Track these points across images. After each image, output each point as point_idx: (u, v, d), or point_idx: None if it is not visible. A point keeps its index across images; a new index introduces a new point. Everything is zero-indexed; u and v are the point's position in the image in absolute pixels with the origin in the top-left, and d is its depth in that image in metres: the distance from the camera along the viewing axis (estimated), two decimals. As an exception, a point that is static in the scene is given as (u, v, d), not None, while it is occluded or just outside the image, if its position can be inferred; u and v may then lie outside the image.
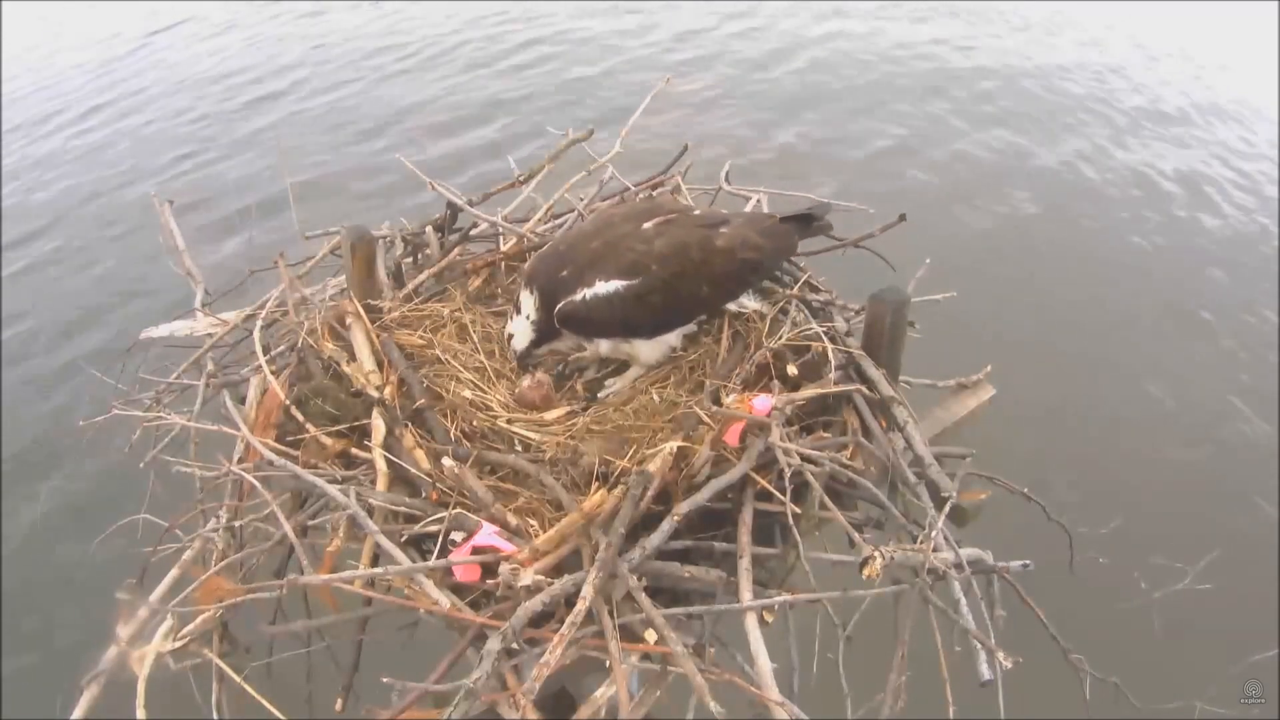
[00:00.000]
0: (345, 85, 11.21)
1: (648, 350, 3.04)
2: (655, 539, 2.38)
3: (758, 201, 3.78)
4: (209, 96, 11.21)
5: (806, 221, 3.17)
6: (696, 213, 3.17)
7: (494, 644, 2.11)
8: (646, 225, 2.96)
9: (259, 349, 3.07)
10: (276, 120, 10.50)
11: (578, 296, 2.89)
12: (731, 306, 3.13)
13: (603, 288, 2.88)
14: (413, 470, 2.65)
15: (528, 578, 2.21)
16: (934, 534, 2.48)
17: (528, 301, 2.99)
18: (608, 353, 3.07)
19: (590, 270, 2.90)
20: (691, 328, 3.10)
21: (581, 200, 3.80)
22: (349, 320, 3.14)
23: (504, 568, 2.23)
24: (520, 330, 3.05)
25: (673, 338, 3.06)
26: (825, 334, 3.03)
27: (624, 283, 2.87)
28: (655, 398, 2.96)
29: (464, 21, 12.71)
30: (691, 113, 9.83)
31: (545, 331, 3.01)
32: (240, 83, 11.57)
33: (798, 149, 9.58)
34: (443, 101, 10.57)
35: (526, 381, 3.04)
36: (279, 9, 13.57)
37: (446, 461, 2.57)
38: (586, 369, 3.20)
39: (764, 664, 2.29)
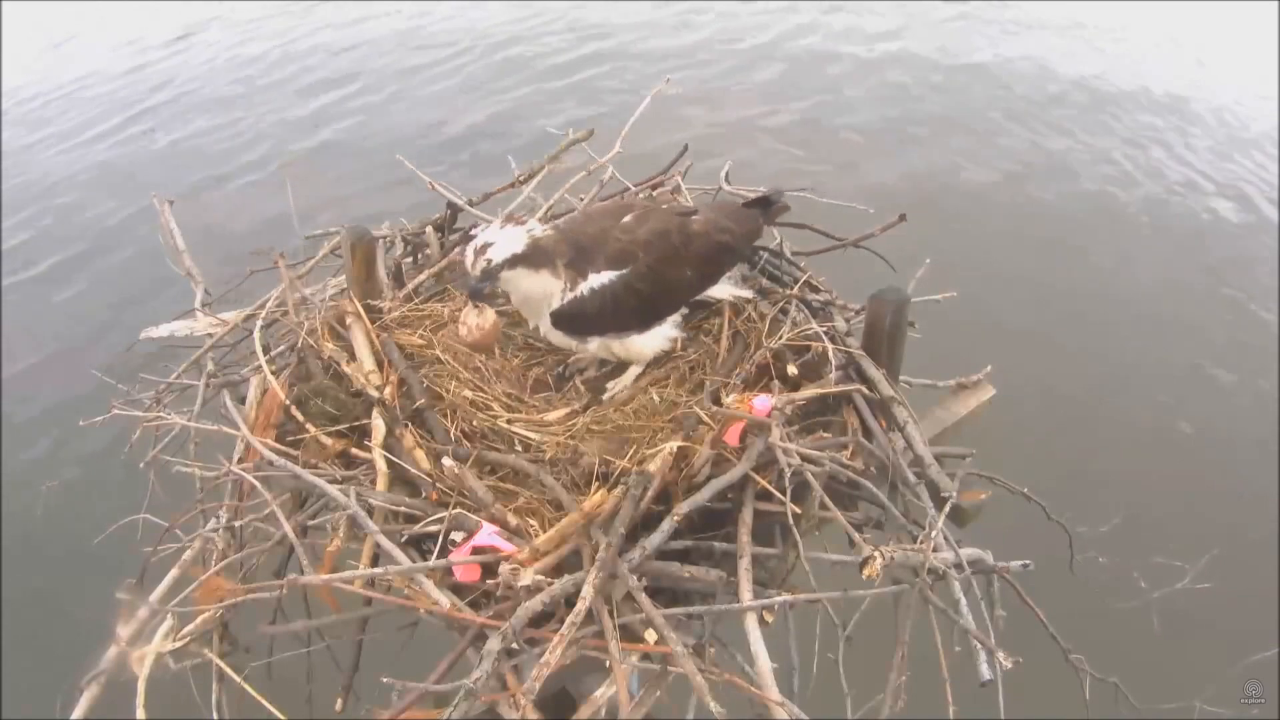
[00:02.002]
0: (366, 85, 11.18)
1: (641, 345, 3.03)
2: (655, 539, 2.38)
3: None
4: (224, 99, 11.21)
5: (766, 205, 3.22)
6: (664, 206, 3.19)
7: (494, 644, 2.12)
8: (625, 219, 2.98)
9: (259, 349, 3.07)
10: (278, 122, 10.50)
11: (577, 290, 2.85)
12: (714, 292, 3.13)
13: (596, 280, 2.86)
14: (413, 470, 2.65)
15: (528, 578, 2.21)
16: (934, 534, 2.49)
17: (535, 223, 2.84)
18: (597, 351, 3.04)
19: (591, 256, 2.87)
20: (678, 319, 3.08)
21: (581, 200, 3.81)
22: (349, 320, 3.14)
23: (504, 568, 2.23)
24: (508, 240, 2.73)
25: (666, 329, 3.05)
26: (825, 334, 3.03)
27: (615, 273, 2.87)
28: (655, 398, 2.96)
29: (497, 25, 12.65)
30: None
31: (540, 255, 2.78)
32: (248, 81, 11.57)
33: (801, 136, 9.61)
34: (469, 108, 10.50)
35: (475, 319, 2.79)
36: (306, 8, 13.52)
37: (446, 461, 2.57)
38: (586, 369, 3.20)
39: (764, 664, 2.29)
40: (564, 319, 2.92)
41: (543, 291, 2.86)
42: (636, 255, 2.89)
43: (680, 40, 11.99)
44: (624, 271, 2.88)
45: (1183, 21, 12.67)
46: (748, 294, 3.22)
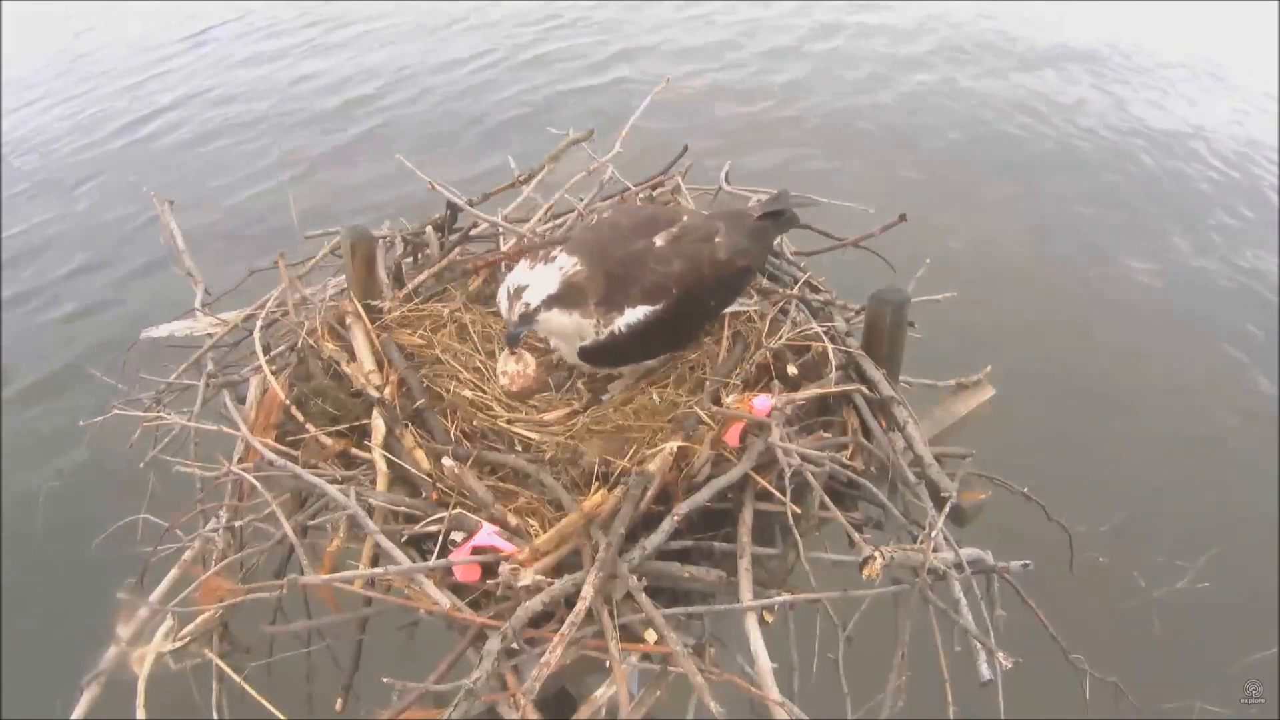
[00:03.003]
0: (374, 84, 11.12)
1: (654, 364, 3.04)
2: (655, 539, 2.38)
3: (758, 202, 3.78)
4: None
5: (778, 216, 3.16)
6: (685, 220, 3.05)
7: (494, 644, 2.12)
8: (659, 243, 2.88)
9: (259, 349, 3.07)
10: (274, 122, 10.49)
11: (610, 328, 2.78)
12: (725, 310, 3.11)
13: (631, 315, 2.79)
14: (413, 470, 2.65)
15: (528, 578, 2.22)
16: (934, 534, 2.49)
17: (565, 259, 2.73)
18: (614, 374, 3.04)
19: (625, 285, 2.80)
20: None
21: (581, 200, 3.81)
22: (349, 320, 3.14)
23: (504, 568, 2.23)
24: (542, 281, 2.67)
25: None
26: (825, 334, 3.03)
27: (649, 308, 2.80)
28: (655, 398, 2.96)
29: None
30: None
31: (573, 294, 2.72)
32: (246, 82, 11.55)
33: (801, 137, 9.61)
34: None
35: (516, 366, 2.77)
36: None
37: (446, 461, 2.57)
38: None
39: (764, 664, 2.29)
40: (593, 354, 2.87)
41: (574, 330, 2.82)
42: (670, 290, 2.81)
43: (714, 46, 11.95)
44: (657, 307, 2.81)
45: (1200, 22, 12.69)
46: (751, 307, 3.18)
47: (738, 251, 2.96)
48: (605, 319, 2.79)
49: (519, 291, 2.68)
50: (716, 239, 2.96)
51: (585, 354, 2.86)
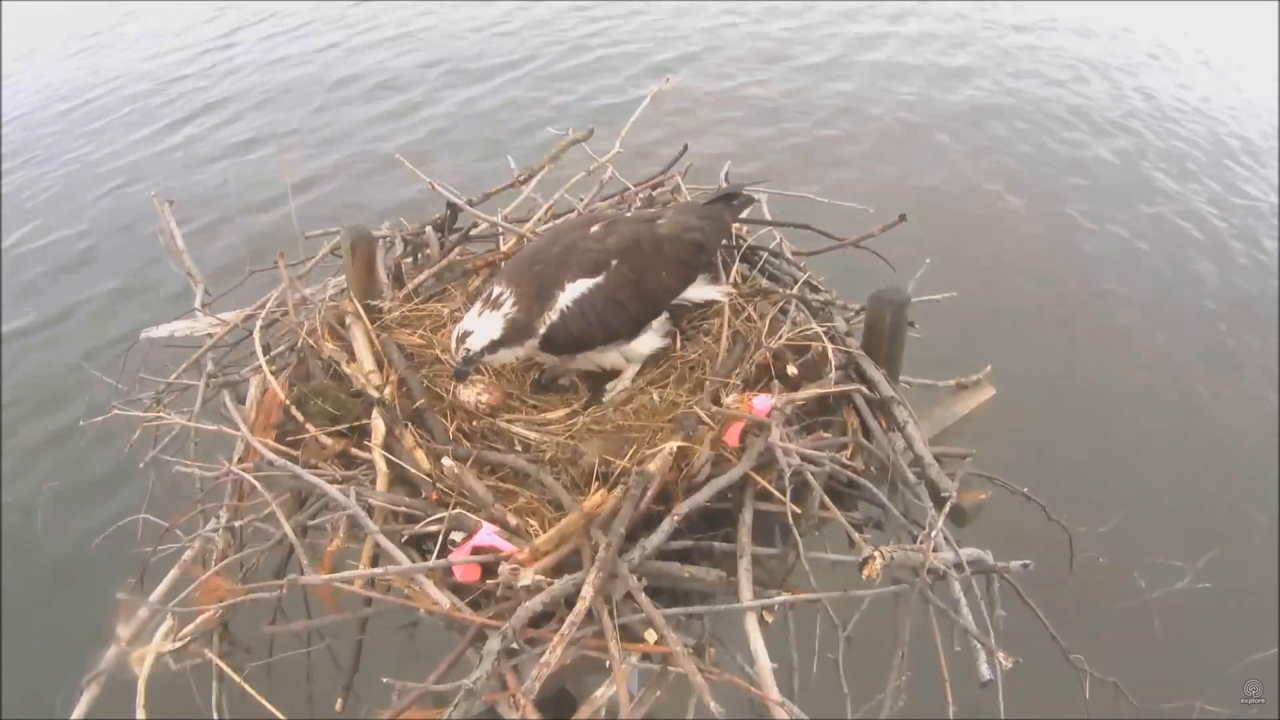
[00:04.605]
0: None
1: (635, 347, 3.04)
2: (655, 539, 2.38)
3: (757, 201, 3.78)
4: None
5: (730, 200, 3.31)
6: (629, 214, 3.22)
7: (494, 644, 2.12)
8: (594, 229, 3.03)
9: (259, 349, 3.07)
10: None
11: (556, 309, 2.87)
12: (691, 295, 3.13)
13: (573, 290, 2.88)
14: (413, 470, 2.65)
15: (528, 578, 2.22)
16: (934, 534, 2.49)
17: (506, 297, 2.87)
18: (581, 364, 3.05)
19: (560, 270, 2.91)
20: (664, 323, 3.10)
21: (581, 200, 3.81)
22: (349, 320, 3.14)
23: (504, 568, 2.23)
24: (485, 327, 2.85)
25: (652, 337, 3.06)
26: (825, 334, 3.03)
27: (591, 281, 2.90)
28: (655, 398, 2.96)
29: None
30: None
31: (517, 331, 2.87)
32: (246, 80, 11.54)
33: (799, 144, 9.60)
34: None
35: (468, 394, 2.91)
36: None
37: (446, 461, 2.57)
38: (562, 377, 3.18)
39: (764, 664, 2.29)
40: (550, 341, 2.92)
41: (526, 354, 2.99)
42: (609, 263, 2.92)
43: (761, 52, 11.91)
44: (598, 280, 2.90)
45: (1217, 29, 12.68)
46: (722, 295, 3.18)
47: (684, 227, 3.07)
48: (550, 310, 2.88)
49: (464, 336, 2.87)
50: (659, 220, 3.09)
51: (544, 343, 2.94)
